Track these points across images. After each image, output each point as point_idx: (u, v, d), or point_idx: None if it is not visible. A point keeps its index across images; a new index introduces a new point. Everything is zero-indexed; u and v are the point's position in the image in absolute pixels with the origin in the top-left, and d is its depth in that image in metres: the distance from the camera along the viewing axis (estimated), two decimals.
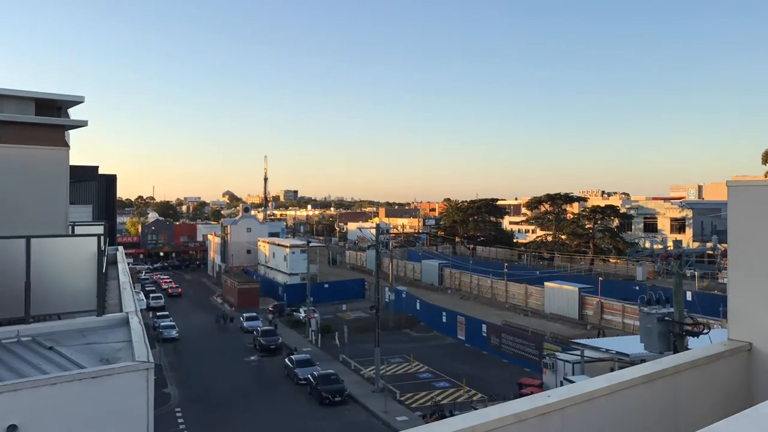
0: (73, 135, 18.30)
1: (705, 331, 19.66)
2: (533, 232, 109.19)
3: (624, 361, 28.80)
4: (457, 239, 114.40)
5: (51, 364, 6.44)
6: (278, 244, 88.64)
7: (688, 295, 46.30)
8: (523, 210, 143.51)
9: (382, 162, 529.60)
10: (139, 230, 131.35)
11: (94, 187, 28.29)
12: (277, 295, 78.12)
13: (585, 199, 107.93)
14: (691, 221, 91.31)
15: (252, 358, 50.02)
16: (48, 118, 15.10)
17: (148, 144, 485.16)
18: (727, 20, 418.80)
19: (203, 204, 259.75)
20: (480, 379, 40.87)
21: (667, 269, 23.36)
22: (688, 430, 4.43)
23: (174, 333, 56.68)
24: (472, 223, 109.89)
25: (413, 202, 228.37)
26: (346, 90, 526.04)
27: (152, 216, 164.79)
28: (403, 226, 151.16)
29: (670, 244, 25.85)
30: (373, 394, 38.70)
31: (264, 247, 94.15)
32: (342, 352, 48.24)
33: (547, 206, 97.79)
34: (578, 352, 34.23)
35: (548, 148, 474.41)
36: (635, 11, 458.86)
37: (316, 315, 56.47)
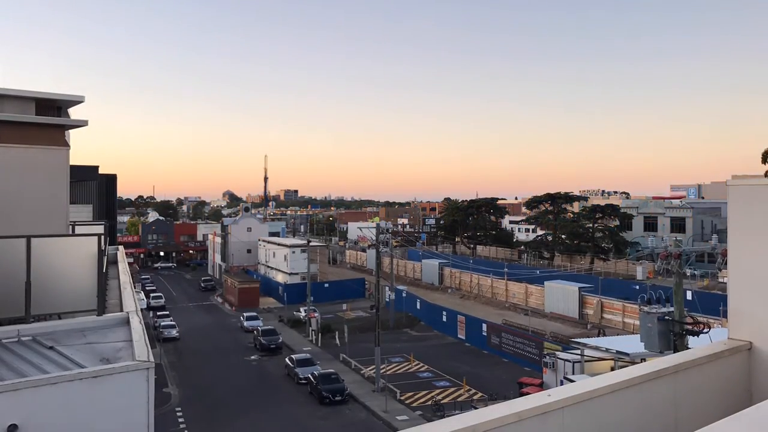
0: (73, 135, 18.31)
1: (705, 330, 19.64)
2: (533, 231, 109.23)
3: (624, 360, 28.81)
4: (457, 238, 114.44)
5: (51, 363, 6.44)
6: (278, 244, 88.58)
7: (689, 295, 46.32)
8: (524, 209, 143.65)
9: (383, 162, 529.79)
10: (140, 230, 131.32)
11: (94, 187, 28.29)
12: (277, 295, 78.13)
13: (585, 198, 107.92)
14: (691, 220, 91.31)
15: (252, 357, 50.02)
16: (48, 118, 15.11)
17: (148, 144, 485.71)
18: (727, 20, 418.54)
19: (203, 204, 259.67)
20: (480, 379, 40.88)
21: (667, 268, 23.35)
22: (688, 429, 4.43)
23: (174, 332, 56.68)
24: (472, 223, 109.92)
25: (413, 202, 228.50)
26: (347, 89, 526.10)
27: (152, 216, 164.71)
28: (403, 225, 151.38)
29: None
30: (373, 393, 38.71)
31: (264, 247, 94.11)
32: (342, 352, 48.24)
33: (547, 206, 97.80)
34: (578, 352, 34.23)
35: (548, 147, 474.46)
36: (635, 7, 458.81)
37: (316, 314, 56.47)
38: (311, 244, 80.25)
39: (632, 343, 28.31)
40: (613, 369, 27.72)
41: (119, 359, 6.52)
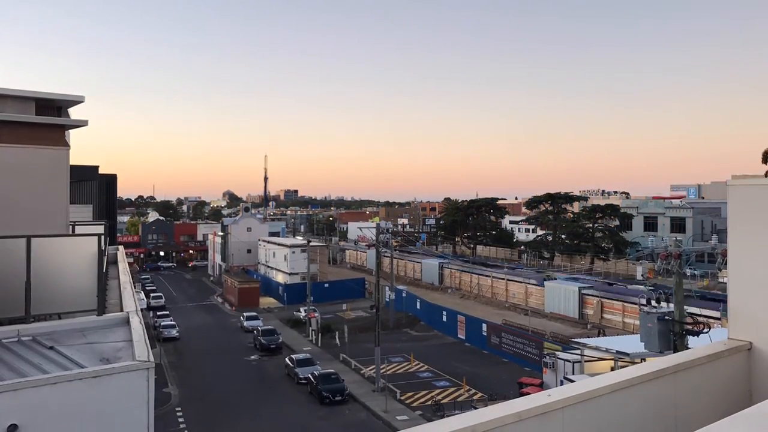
0: (73, 135, 18.30)
1: (705, 330, 19.64)
2: (533, 231, 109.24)
3: (624, 360, 28.81)
4: (457, 238, 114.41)
5: (51, 363, 6.43)
6: (278, 244, 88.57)
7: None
8: (524, 209, 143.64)
9: (383, 162, 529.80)
10: (140, 230, 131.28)
11: (94, 187, 28.29)
12: (277, 295, 78.10)
13: (585, 198, 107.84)
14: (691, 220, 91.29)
15: (252, 357, 50.01)
16: (48, 118, 15.08)
17: (148, 144, 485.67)
18: (727, 20, 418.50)
19: (203, 204, 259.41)
20: (480, 378, 40.88)
21: (667, 268, 23.35)
22: (688, 429, 4.43)
23: (174, 332, 56.68)
24: (472, 223, 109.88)
25: (413, 202, 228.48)
26: (347, 89, 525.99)
27: (152, 216, 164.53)
28: (403, 225, 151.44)
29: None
30: (373, 393, 38.70)
31: (264, 247, 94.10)
32: (342, 352, 48.24)
33: (547, 206, 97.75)
34: (578, 352, 34.22)
35: (548, 147, 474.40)
36: (634, 9, 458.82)
37: (316, 314, 56.47)
38: (311, 244, 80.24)
39: (632, 343, 28.30)
40: (613, 369, 27.72)
41: (119, 359, 6.52)
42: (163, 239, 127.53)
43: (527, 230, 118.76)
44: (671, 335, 20.22)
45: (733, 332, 5.57)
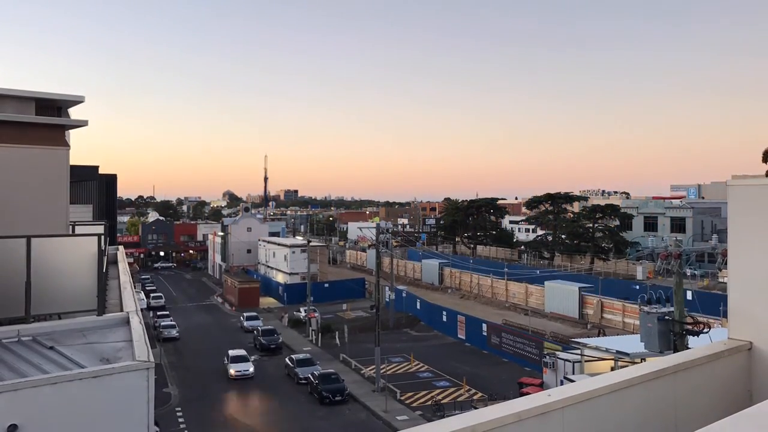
0: (73, 135, 18.29)
1: (705, 330, 19.63)
2: (533, 231, 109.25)
3: (624, 360, 28.79)
4: (457, 238, 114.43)
5: (51, 363, 6.43)
6: (278, 244, 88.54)
7: (689, 295, 46.29)
8: (524, 209, 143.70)
9: (383, 162, 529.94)
10: (140, 230, 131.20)
11: (94, 187, 28.29)
12: (277, 295, 78.08)
13: (585, 198, 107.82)
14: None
15: (252, 357, 49.93)
16: (48, 118, 15.07)
17: (148, 144, 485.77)
18: (728, 20, 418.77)
19: (203, 204, 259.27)
20: (480, 379, 40.87)
21: (667, 268, 23.37)
22: (688, 429, 4.42)
23: (174, 332, 56.67)
24: (472, 223, 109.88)
25: (413, 202, 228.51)
26: (346, 90, 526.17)
27: (152, 216, 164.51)
28: (403, 225, 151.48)
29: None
30: (373, 393, 38.69)
31: (264, 247, 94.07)
32: (342, 352, 48.23)
33: (547, 206, 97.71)
34: (578, 352, 34.20)
35: (548, 147, 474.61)
36: (635, 10, 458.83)
37: (316, 314, 56.45)
38: (311, 244, 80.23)
39: (632, 343, 28.28)
40: (613, 369, 27.71)
41: (119, 359, 6.52)
42: (163, 239, 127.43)
43: (527, 230, 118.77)
44: (671, 335, 20.21)
45: (733, 332, 5.57)
